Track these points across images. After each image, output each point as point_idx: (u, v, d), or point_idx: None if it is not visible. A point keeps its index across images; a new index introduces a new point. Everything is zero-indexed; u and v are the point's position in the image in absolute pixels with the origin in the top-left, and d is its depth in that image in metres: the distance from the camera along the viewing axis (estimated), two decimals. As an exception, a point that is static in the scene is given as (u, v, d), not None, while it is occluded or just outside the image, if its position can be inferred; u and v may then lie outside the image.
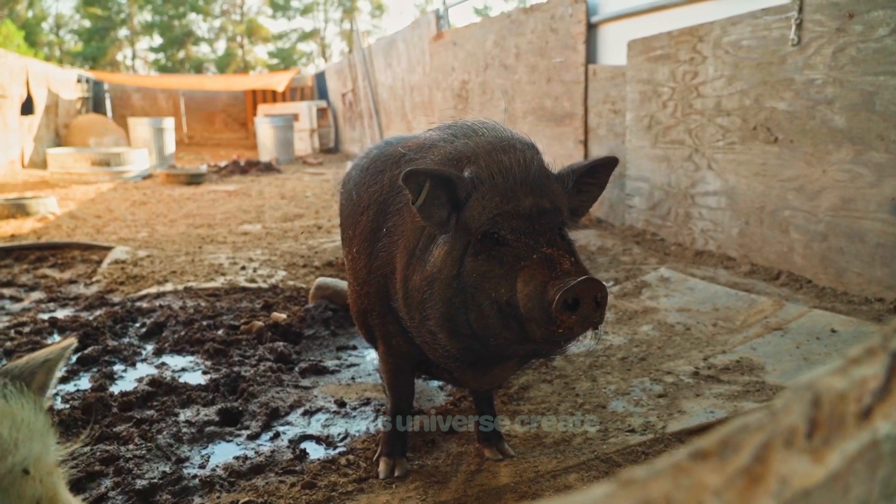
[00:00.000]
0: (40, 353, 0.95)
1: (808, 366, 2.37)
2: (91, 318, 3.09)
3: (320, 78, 16.59)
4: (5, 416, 0.79)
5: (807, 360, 2.43)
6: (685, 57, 4.03)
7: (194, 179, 9.04)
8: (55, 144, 11.69)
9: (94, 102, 15.34)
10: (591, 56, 5.21)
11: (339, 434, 2.11)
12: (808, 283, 3.33)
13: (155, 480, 1.81)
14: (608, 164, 1.55)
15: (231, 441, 2.09)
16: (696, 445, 0.39)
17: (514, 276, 1.30)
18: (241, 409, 2.25)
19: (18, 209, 5.87)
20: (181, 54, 35.54)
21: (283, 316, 3.03)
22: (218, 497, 1.77)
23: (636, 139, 4.60)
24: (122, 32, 34.58)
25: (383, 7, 38.41)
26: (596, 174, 1.54)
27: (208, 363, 2.63)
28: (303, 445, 2.03)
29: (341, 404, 2.31)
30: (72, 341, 1.00)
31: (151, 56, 36.46)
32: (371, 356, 2.79)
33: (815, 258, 3.32)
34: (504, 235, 1.35)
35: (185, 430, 2.11)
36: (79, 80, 14.03)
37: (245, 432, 2.13)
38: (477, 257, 1.36)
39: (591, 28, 5.18)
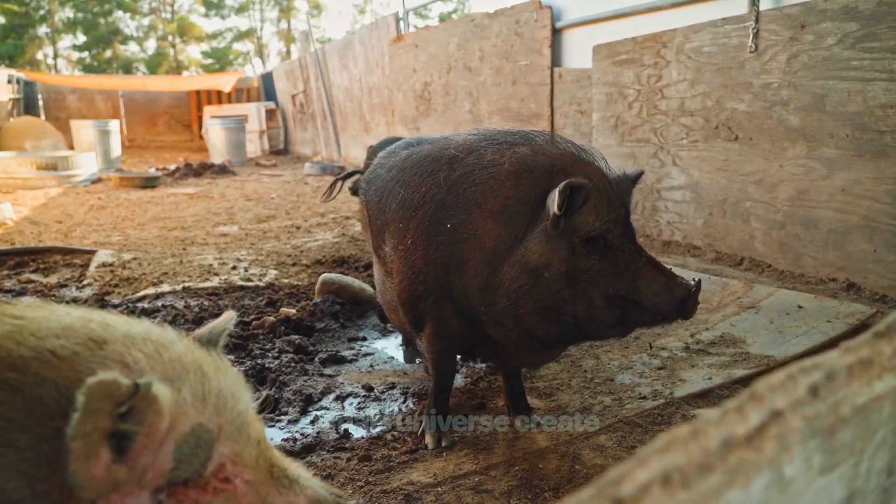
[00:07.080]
0: (219, 322, 1.08)
1: (783, 337, 2.68)
2: (97, 319, 3.10)
3: (267, 79, 16.38)
4: (226, 372, 0.93)
5: (781, 332, 2.74)
6: (650, 61, 4.35)
7: (149, 183, 8.85)
8: (-12, 149, 11.12)
9: (26, 104, 14.64)
10: (555, 59, 5.50)
11: (375, 415, 2.27)
12: (768, 267, 3.69)
13: (216, 462, 1.92)
14: (640, 175, 1.84)
15: (274, 426, 2.21)
16: (875, 328, 0.60)
17: (632, 275, 1.62)
18: (276, 396, 2.37)
19: (-26, 215, 5.66)
20: (108, 53, 34.10)
21: (293, 311, 3.14)
22: (281, 474, 1.89)
23: (603, 138, 4.90)
24: (42, 30, 32.83)
25: (321, 7, 38.04)
26: (635, 184, 1.81)
27: (231, 357, 2.72)
28: (344, 426, 2.18)
29: (369, 389, 2.46)
30: (232, 314, 1.13)
31: (75, 55, 34.82)
32: (382, 345, 2.94)
33: (774, 245, 3.68)
34: (612, 240, 1.64)
35: (228, 417, 2.21)
36: (9, 81, 13.37)
37: (285, 417, 2.25)
38: (590, 257, 1.64)
39: (556, 33, 5.46)
